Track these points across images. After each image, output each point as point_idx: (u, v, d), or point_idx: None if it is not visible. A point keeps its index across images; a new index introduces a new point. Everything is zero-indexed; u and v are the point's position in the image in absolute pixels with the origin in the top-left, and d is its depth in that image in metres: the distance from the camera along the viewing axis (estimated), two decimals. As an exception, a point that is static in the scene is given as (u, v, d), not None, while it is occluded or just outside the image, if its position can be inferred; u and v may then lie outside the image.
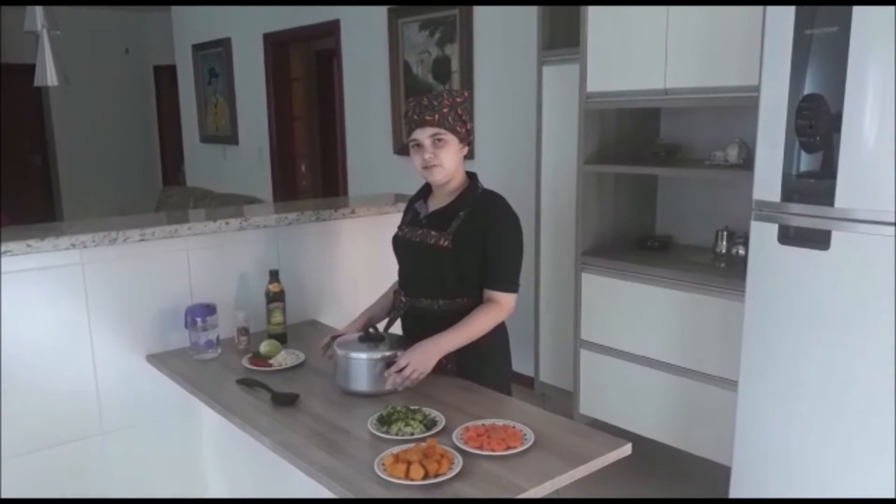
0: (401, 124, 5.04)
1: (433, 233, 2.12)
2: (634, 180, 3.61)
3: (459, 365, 2.13)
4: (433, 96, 2.09)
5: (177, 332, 2.48)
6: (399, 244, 2.24)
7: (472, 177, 2.20)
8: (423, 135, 2.07)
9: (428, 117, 2.05)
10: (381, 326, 2.22)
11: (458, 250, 2.07)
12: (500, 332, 2.17)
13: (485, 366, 2.14)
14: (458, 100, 2.09)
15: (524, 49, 3.97)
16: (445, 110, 2.05)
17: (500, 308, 2.08)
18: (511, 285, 2.11)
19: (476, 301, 2.11)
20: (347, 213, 2.87)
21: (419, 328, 2.13)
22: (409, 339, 2.14)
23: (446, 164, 2.08)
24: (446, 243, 2.08)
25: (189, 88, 7.61)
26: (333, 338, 2.17)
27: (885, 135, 2.16)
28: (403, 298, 2.20)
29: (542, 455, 1.66)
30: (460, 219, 2.10)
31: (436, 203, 2.19)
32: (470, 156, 2.25)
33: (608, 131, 3.50)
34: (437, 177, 2.11)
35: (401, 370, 1.97)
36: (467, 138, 2.12)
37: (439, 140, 2.06)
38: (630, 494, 3.11)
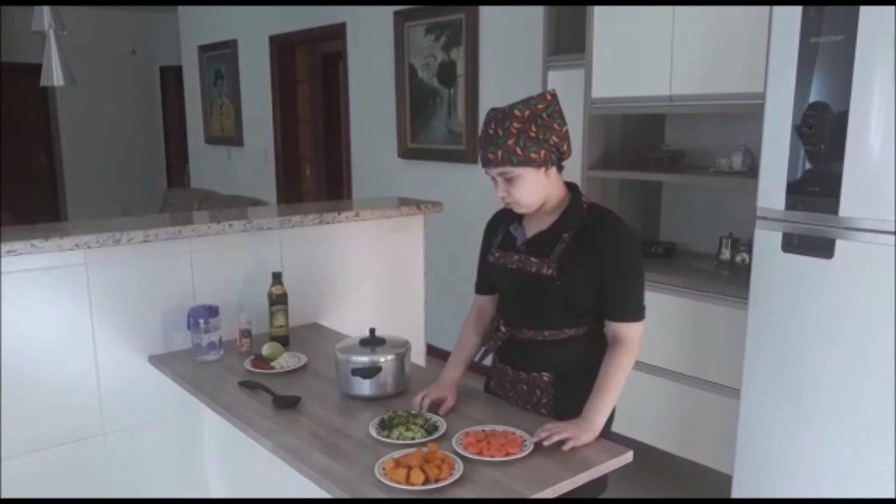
0: (405, 128, 5.05)
1: (533, 259, 1.88)
2: (639, 186, 3.60)
3: (556, 401, 1.93)
4: (500, 120, 1.79)
5: (179, 333, 2.49)
6: (493, 271, 2.01)
7: (573, 189, 1.94)
8: (492, 173, 1.84)
9: (490, 155, 1.80)
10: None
11: (563, 278, 1.83)
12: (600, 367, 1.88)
13: (584, 404, 1.82)
14: (533, 109, 1.79)
15: (529, 54, 3.97)
16: (511, 142, 1.77)
17: (628, 348, 1.85)
18: (638, 313, 1.88)
19: (586, 330, 1.91)
20: (351, 216, 2.87)
21: (520, 359, 1.97)
22: (508, 368, 2.00)
23: (523, 200, 1.84)
24: (550, 271, 1.84)
25: (195, 89, 7.64)
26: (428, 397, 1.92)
27: (890, 144, 2.16)
28: (503, 329, 1.97)
29: (543, 461, 1.66)
30: (564, 242, 1.85)
31: (534, 226, 1.93)
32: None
33: (613, 137, 3.50)
34: (518, 211, 1.90)
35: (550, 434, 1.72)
36: (550, 158, 1.82)
37: (508, 178, 1.82)
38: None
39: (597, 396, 1.81)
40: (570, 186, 1.95)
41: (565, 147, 1.86)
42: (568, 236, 1.86)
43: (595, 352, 1.91)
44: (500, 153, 1.78)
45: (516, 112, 1.79)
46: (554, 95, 1.84)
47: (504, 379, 2.04)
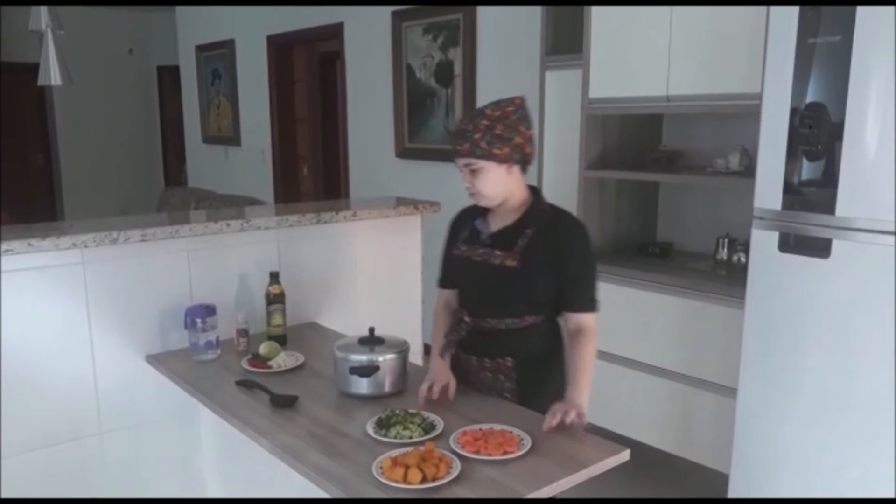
0: (402, 127, 5.05)
1: (497, 252, 2.01)
2: (636, 186, 3.61)
3: (519, 385, 2.06)
4: (472, 118, 1.96)
5: (177, 332, 2.48)
6: (458, 264, 2.12)
7: (534, 191, 2.07)
8: (459, 163, 1.98)
9: (458, 146, 1.95)
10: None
11: (526, 269, 1.96)
12: (559, 353, 2.10)
13: (544, 387, 2.03)
14: (504, 111, 1.94)
15: (527, 54, 3.97)
16: (478, 136, 1.91)
17: (593, 336, 2.00)
18: (595, 304, 2.03)
19: (545, 319, 2.04)
20: (349, 215, 2.87)
21: (484, 347, 2.07)
22: (472, 357, 2.09)
23: (485, 192, 1.97)
24: (513, 262, 1.97)
25: (192, 89, 7.63)
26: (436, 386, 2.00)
27: (887, 144, 2.17)
28: (467, 319, 2.06)
29: (540, 460, 1.66)
30: (527, 237, 1.99)
31: (498, 221, 2.06)
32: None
33: (610, 137, 3.51)
34: (480, 203, 2.03)
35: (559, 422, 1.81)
36: (513, 157, 1.95)
37: (473, 170, 1.96)
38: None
39: (577, 382, 1.93)
40: (532, 190, 2.08)
41: (529, 149, 1.99)
42: (531, 232, 2.00)
43: (553, 339, 2.09)
44: (466, 145, 1.94)
45: (487, 111, 1.95)
46: (523, 100, 2.00)
47: (468, 369, 2.11)
